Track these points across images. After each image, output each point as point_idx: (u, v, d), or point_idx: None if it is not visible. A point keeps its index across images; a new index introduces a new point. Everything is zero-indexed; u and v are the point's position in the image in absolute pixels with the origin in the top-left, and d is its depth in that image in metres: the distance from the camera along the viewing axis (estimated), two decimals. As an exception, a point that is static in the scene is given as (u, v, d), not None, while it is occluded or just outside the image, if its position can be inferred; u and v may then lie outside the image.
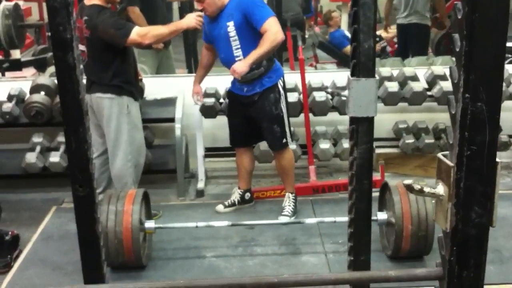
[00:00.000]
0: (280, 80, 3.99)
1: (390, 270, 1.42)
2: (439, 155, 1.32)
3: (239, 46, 3.83)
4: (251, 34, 3.80)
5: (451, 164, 1.27)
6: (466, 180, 1.25)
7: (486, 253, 1.32)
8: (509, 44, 5.05)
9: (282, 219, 4.06)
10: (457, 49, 1.20)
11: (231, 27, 3.81)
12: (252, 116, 4.05)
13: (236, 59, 3.83)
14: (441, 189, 1.31)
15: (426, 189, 1.33)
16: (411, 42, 6.76)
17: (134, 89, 4.00)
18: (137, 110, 4.04)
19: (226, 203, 4.30)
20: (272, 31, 3.71)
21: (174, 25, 4.02)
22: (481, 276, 1.33)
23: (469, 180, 1.25)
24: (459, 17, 1.19)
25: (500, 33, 1.17)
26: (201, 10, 3.88)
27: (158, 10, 5.64)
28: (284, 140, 4.05)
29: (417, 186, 1.32)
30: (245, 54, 3.80)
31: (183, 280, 1.31)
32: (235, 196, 4.34)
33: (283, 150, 4.10)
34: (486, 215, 1.28)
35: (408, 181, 1.33)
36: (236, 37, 3.82)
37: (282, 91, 4.00)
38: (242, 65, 3.71)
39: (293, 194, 4.20)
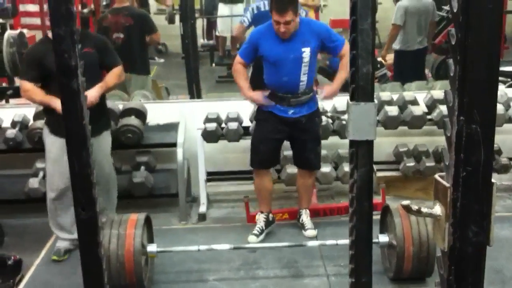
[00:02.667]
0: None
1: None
2: (436, 176, 1.36)
3: (307, 71, 3.92)
4: (315, 61, 4.02)
5: (447, 184, 1.31)
6: (462, 200, 1.29)
7: (484, 271, 1.34)
8: (510, 68, 5.11)
9: (310, 233, 4.20)
10: (452, 74, 1.24)
11: (307, 53, 3.87)
12: (295, 136, 4.11)
13: (301, 83, 3.93)
14: (438, 209, 1.35)
15: (424, 210, 1.36)
16: (418, 67, 6.85)
17: (53, 121, 3.91)
18: (52, 143, 3.98)
19: (256, 232, 4.18)
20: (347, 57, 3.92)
21: (49, 99, 3.79)
22: (479, 295, 1.36)
23: (465, 200, 1.28)
24: (453, 43, 1.23)
25: (492, 58, 1.21)
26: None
27: None
28: (320, 161, 4.26)
29: (414, 207, 1.36)
30: (309, 78, 3.95)
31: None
32: (261, 221, 4.25)
33: (315, 171, 4.27)
34: (483, 234, 1.31)
35: (406, 202, 1.36)
36: (308, 63, 3.90)
37: None
38: (334, 91, 4.03)
39: (309, 212, 4.33)
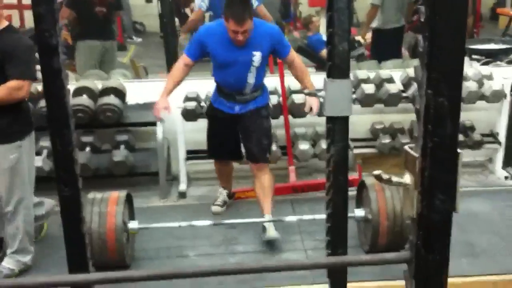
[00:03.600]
0: (269, 99, 4.23)
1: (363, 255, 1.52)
2: (406, 147, 1.43)
3: (255, 74, 3.89)
4: (265, 63, 4.03)
5: (416, 155, 1.38)
6: (430, 169, 1.36)
7: (450, 236, 1.42)
8: (484, 47, 5.18)
9: (273, 234, 3.85)
10: (421, 49, 1.31)
11: (257, 56, 3.83)
12: (242, 130, 4.07)
13: (247, 85, 3.90)
14: (408, 178, 1.42)
15: (394, 179, 1.43)
16: (395, 45, 6.93)
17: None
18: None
19: (220, 203, 4.43)
20: (299, 60, 4.10)
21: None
22: (446, 259, 1.44)
23: (433, 170, 1.36)
24: (422, 19, 1.30)
25: (459, 34, 1.28)
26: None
27: None
28: (268, 155, 4.15)
29: (385, 176, 1.43)
30: (257, 80, 3.92)
31: (169, 268, 1.39)
32: (223, 195, 4.49)
33: (265, 166, 4.08)
34: (449, 202, 1.38)
35: (377, 172, 1.44)
36: (257, 67, 3.87)
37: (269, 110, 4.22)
38: (315, 102, 3.93)
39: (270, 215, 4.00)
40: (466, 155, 5.12)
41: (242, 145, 4.16)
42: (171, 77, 4.02)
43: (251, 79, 3.88)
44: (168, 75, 4.00)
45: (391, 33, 6.81)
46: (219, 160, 4.34)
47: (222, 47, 3.83)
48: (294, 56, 4.00)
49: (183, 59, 3.99)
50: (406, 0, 6.88)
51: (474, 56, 6.09)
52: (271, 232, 3.85)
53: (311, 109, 3.96)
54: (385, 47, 6.93)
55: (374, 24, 6.93)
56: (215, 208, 4.40)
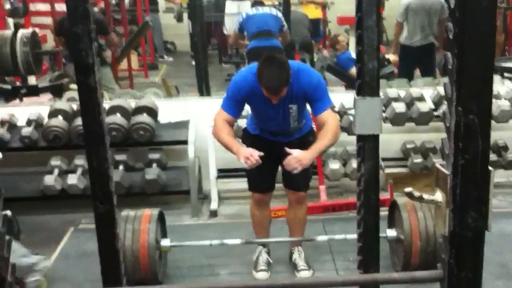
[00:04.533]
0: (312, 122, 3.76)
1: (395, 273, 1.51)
2: (437, 164, 1.43)
3: (297, 118, 3.53)
4: (305, 107, 3.57)
5: (447, 172, 1.38)
6: (461, 187, 1.36)
7: (483, 255, 1.42)
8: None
9: (304, 274, 3.73)
10: (450, 66, 1.32)
11: (294, 109, 3.46)
12: (284, 157, 3.42)
13: (291, 127, 3.56)
14: (439, 196, 1.42)
15: (425, 196, 1.44)
16: (427, 62, 6.91)
17: None
18: None
19: (264, 267, 3.83)
20: (334, 123, 3.40)
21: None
22: (479, 277, 1.43)
23: (464, 187, 1.36)
24: (451, 37, 1.31)
25: (488, 50, 1.29)
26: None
27: None
28: (309, 183, 3.84)
29: (417, 194, 1.43)
30: (300, 120, 3.57)
31: (202, 283, 1.41)
32: (264, 256, 3.90)
33: (305, 197, 3.82)
34: (481, 219, 1.38)
35: (408, 189, 1.44)
36: (297, 114, 3.50)
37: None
38: (307, 159, 3.30)
39: (302, 248, 3.91)
40: (499, 175, 5.04)
41: (282, 172, 3.67)
42: (222, 133, 3.42)
43: (294, 123, 3.55)
44: (219, 134, 3.44)
45: (417, 50, 6.80)
46: (262, 192, 3.79)
47: (257, 101, 3.44)
48: (329, 117, 3.39)
49: (223, 117, 3.45)
50: (433, 18, 6.85)
51: (506, 75, 6.03)
52: (303, 273, 3.75)
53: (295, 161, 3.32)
54: (411, 64, 6.94)
55: (401, 41, 6.96)
56: (261, 275, 3.78)
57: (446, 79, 1.37)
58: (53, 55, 8.05)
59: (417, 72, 7.20)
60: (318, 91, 3.39)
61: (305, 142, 3.61)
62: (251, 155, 3.26)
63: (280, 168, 3.66)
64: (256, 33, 6.53)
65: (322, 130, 3.38)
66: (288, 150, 3.34)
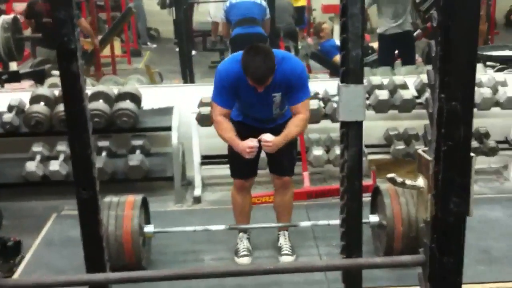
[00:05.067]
0: None
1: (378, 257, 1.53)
2: (419, 150, 1.45)
3: (279, 105, 3.57)
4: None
5: (429, 158, 1.40)
6: (443, 172, 1.38)
7: (464, 240, 1.44)
8: (499, 53, 5.17)
9: (286, 259, 3.77)
10: (433, 54, 1.33)
11: (277, 97, 3.49)
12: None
13: (274, 114, 3.59)
14: (421, 181, 1.44)
15: (408, 182, 1.45)
16: (405, 50, 6.88)
17: None
18: None
19: (246, 252, 3.85)
20: (304, 117, 3.47)
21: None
22: (461, 261, 1.45)
23: (447, 173, 1.38)
24: (435, 24, 1.32)
25: (471, 38, 1.30)
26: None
27: None
28: (294, 168, 3.83)
29: (399, 179, 1.45)
30: (282, 108, 3.60)
31: (186, 269, 1.42)
32: (245, 242, 3.91)
33: (290, 181, 3.84)
34: (463, 205, 1.40)
35: (391, 175, 1.46)
36: (280, 101, 3.54)
37: None
38: (274, 145, 3.44)
39: (288, 233, 3.95)
40: (481, 162, 5.11)
41: (267, 157, 3.77)
42: (224, 131, 3.51)
43: (276, 110, 3.59)
44: (220, 133, 3.54)
45: (391, 38, 6.72)
46: (244, 178, 3.81)
47: (242, 89, 3.45)
48: (302, 110, 3.47)
49: (219, 111, 3.50)
50: (408, 5, 6.77)
51: (488, 63, 6.08)
52: (286, 257, 3.79)
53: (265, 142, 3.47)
54: (387, 53, 6.87)
55: (379, 30, 6.90)
56: (242, 260, 3.81)
57: (429, 67, 1.39)
58: (35, 41, 7.95)
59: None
60: (300, 81, 3.45)
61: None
62: (250, 148, 3.41)
63: (264, 154, 3.70)
64: (240, 20, 6.49)
65: (295, 117, 3.47)
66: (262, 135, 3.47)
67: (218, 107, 3.50)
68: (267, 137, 3.45)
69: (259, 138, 3.47)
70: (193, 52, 10.82)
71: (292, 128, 3.48)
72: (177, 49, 7.47)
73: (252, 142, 3.42)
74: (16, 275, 3.67)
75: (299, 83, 3.44)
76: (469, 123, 1.35)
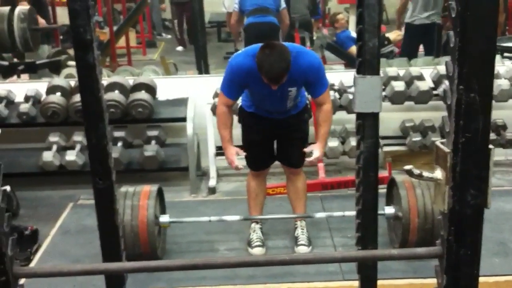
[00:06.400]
0: (306, 98, 3.81)
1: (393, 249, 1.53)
2: (437, 142, 1.44)
3: (293, 100, 3.59)
4: (302, 90, 3.64)
5: (447, 150, 1.39)
6: (461, 164, 1.37)
7: (482, 232, 1.43)
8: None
9: (302, 249, 3.77)
10: (452, 45, 1.32)
11: (293, 92, 3.50)
12: (281, 133, 3.73)
13: (287, 107, 3.61)
14: (439, 173, 1.43)
15: (425, 174, 1.44)
16: (428, 41, 6.87)
17: None
18: None
19: (259, 243, 3.85)
20: (329, 106, 3.55)
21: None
22: (478, 254, 1.44)
23: (464, 165, 1.37)
24: (453, 15, 1.31)
25: (490, 29, 1.29)
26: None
27: None
28: (304, 160, 3.75)
29: (416, 171, 1.44)
30: (296, 100, 3.61)
31: (200, 259, 1.43)
32: (258, 232, 3.92)
33: (300, 169, 3.88)
34: (481, 197, 1.39)
35: (408, 166, 1.45)
36: (294, 96, 3.55)
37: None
38: (320, 152, 3.56)
39: (305, 223, 3.94)
40: (498, 154, 5.06)
41: (277, 148, 3.83)
42: (222, 126, 3.60)
43: (290, 103, 3.60)
44: (218, 125, 3.65)
45: (419, 29, 6.75)
46: (259, 170, 3.86)
47: (255, 83, 3.43)
48: (326, 99, 3.53)
49: (224, 102, 3.54)
50: (440, 0, 6.79)
51: (506, 54, 6.01)
52: (302, 248, 3.79)
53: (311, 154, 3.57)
54: (413, 42, 6.89)
55: (406, 19, 6.93)
56: (256, 250, 3.81)
57: (447, 58, 1.37)
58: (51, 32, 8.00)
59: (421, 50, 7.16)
60: (319, 74, 3.47)
61: (301, 119, 3.74)
62: (232, 162, 3.58)
63: (275, 143, 3.80)
64: (253, 10, 6.49)
65: (321, 115, 3.56)
66: (308, 150, 3.61)
67: (224, 97, 3.54)
68: (315, 154, 3.55)
69: (309, 160, 3.59)
70: (179, 48, 10.89)
71: (324, 126, 3.58)
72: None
73: (236, 150, 3.59)
74: (33, 264, 3.72)
75: (318, 76, 3.46)
76: (487, 114, 1.33)
